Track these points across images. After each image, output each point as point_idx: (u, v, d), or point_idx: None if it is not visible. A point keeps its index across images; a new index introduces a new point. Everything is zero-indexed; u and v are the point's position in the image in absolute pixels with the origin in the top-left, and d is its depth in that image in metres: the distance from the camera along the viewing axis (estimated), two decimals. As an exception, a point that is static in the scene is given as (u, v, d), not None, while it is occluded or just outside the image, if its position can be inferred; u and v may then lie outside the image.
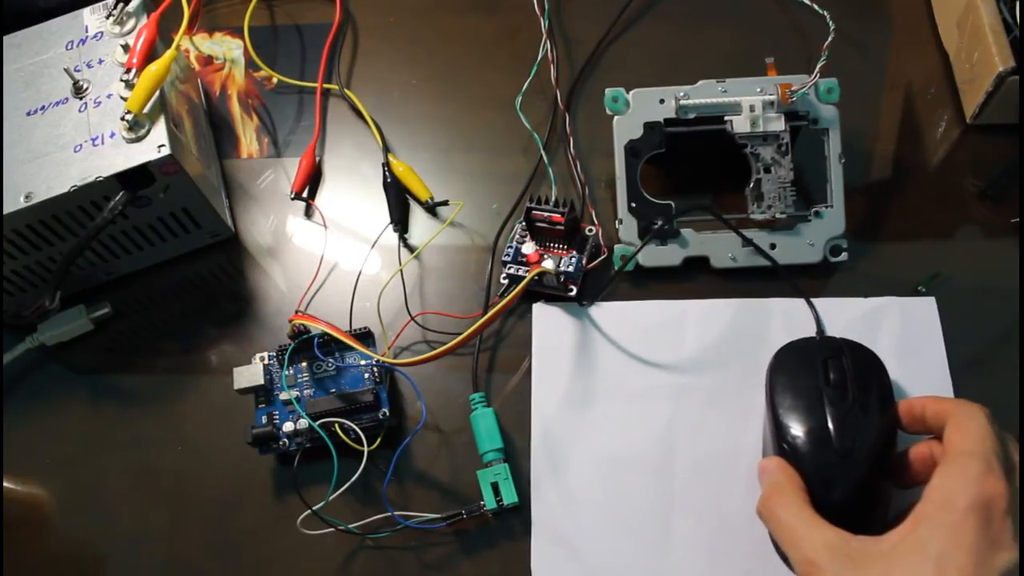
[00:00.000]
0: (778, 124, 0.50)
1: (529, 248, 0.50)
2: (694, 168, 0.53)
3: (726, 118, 0.50)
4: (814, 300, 0.50)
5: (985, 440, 0.37)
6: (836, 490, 0.40)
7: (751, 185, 0.50)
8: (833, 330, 0.49)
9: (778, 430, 0.42)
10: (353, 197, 0.57)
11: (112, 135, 0.47)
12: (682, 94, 0.50)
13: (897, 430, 0.42)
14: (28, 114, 0.49)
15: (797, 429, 0.42)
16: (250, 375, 0.48)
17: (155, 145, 0.47)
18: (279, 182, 0.57)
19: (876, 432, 0.41)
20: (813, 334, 0.49)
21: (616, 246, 0.51)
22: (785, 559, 0.40)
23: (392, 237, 0.54)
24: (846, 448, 0.40)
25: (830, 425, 0.41)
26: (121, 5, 0.51)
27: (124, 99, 0.48)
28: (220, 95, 0.61)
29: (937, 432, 0.39)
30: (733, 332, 0.49)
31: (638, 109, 0.50)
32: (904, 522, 0.36)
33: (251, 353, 0.49)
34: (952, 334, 0.49)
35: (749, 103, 0.49)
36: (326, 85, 0.60)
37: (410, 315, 0.51)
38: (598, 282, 0.52)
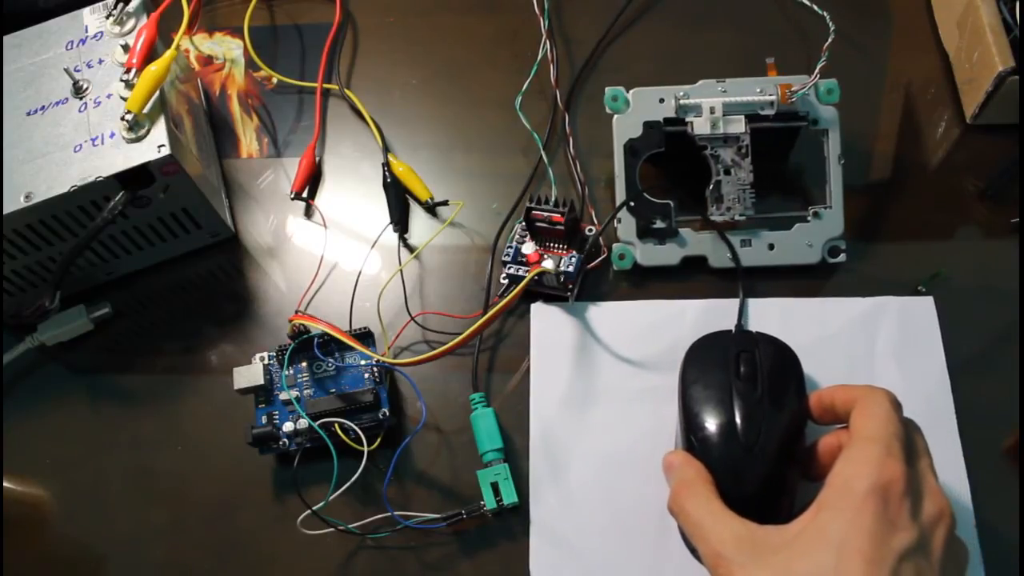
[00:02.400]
0: (738, 126, 0.50)
1: (529, 248, 0.50)
2: (694, 167, 0.53)
3: (687, 119, 0.50)
4: (812, 300, 0.50)
5: (887, 424, 0.37)
6: (742, 483, 0.40)
7: (711, 187, 0.50)
8: (831, 329, 0.49)
9: (687, 423, 0.43)
10: (353, 197, 0.57)
11: (112, 135, 0.47)
12: (682, 94, 0.50)
13: (806, 422, 0.42)
14: (28, 114, 0.49)
15: (705, 423, 0.42)
16: (250, 375, 0.48)
17: (155, 145, 0.47)
18: (279, 182, 0.57)
19: (783, 425, 0.41)
20: (813, 333, 0.49)
21: (614, 245, 0.51)
22: (695, 554, 0.41)
23: (392, 237, 0.54)
24: (751, 441, 0.41)
25: (737, 419, 0.41)
26: (121, 5, 0.51)
27: (124, 99, 0.48)
28: (220, 95, 0.61)
29: (847, 420, 0.40)
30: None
31: (638, 108, 0.50)
32: (808, 509, 0.36)
33: (251, 353, 0.49)
34: (952, 334, 0.49)
35: (710, 104, 0.49)
36: (326, 85, 0.60)
37: (410, 315, 0.51)
38: (597, 282, 0.52)
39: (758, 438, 0.41)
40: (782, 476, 0.41)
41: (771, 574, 0.35)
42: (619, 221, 0.51)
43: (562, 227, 0.50)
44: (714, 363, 0.44)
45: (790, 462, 0.41)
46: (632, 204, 0.51)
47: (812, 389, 0.43)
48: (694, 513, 0.39)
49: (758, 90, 0.50)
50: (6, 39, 0.52)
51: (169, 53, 0.49)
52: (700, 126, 0.50)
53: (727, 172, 0.50)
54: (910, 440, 0.38)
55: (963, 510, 0.45)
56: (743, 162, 0.50)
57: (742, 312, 0.50)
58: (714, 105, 0.49)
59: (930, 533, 0.35)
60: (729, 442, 0.41)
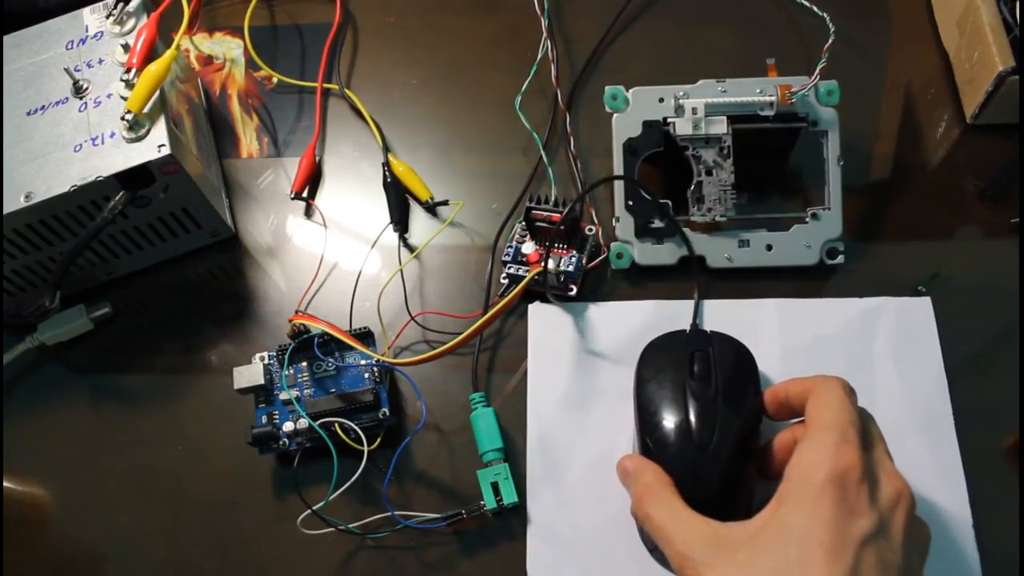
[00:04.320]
0: (720, 127, 0.49)
1: (529, 248, 0.50)
2: (686, 168, 0.53)
3: (668, 120, 0.50)
4: (810, 300, 0.50)
5: (841, 413, 0.37)
6: (699, 483, 0.40)
7: (692, 187, 0.50)
8: (829, 330, 0.49)
9: (642, 425, 0.43)
10: (353, 197, 0.57)
11: (112, 135, 0.47)
12: (681, 93, 0.50)
13: (761, 419, 0.42)
14: (28, 114, 0.49)
15: (660, 424, 0.42)
16: (250, 375, 0.48)
17: (155, 145, 0.47)
18: (279, 182, 0.57)
19: (737, 423, 0.41)
20: (810, 333, 0.49)
21: (612, 244, 0.51)
22: (654, 554, 0.41)
23: (392, 237, 0.54)
24: (705, 441, 0.41)
25: (691, 418, 0.41)
26: (121, 5, 0.51)
27: (124, 99, 0.48)
28: (220, 95, 0.61)
29: (802, 413, 0.40)
30: (730, 332, 0.48)
31: (637, 107, 0.50)
32: (769, 503, 0.37)
33: (251, 353, 0.49)
34: (951, 334, 0.49)
35: (692, 105, 0.49)
36: (326, 85, 0.60)
37: (410, 315, 0.51)
38: (596, 281, 0.52)
39: (712, 437, 0.41)
40: (739, 475, 0.41)
41: (737, 571, 0.35)
42: (618, 220, 0.51)
43: (562, 227, 0.50)
44: (668, 363, 0.44)
45: (747, 460, 0.42)
46: (630, 203, 0.51)
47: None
48: (657, 517, 0.39)
49: (758, 91, 0.50)
50: (6, 39, 0.52)
51: (169, 53, 0.49)
52: (682, 127, 0.50)
53: (708, 173, 0.50)
54: (865, 427, 0.38)
55: (961, 511, 0.45)
56: (725, 163, 0.50)
57: (697, 311, 0.50)
58: (696, 106, 0.49)
59: (889, 516, 0.36)
60: (684, 443, 0.41)
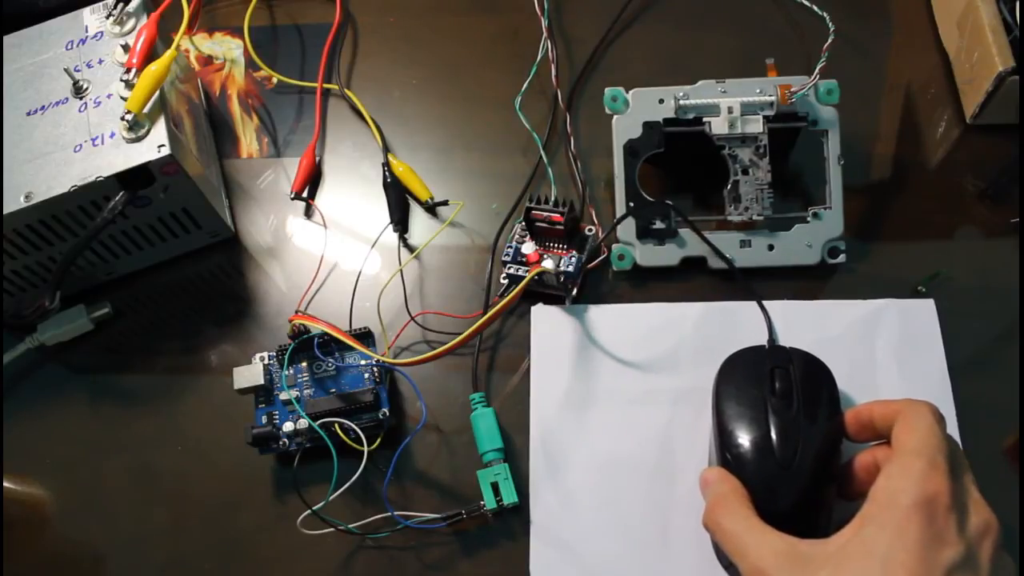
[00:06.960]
0: (756, 126, 0.49)
1: (529, 248, 0.50)
2: (693, 168, 0.53)
3: (704, 119, 0.50)
4: (813, 303, 0.50)
5: (930, 437, 0.37)
6: (778, 500, 0.40)
7: (728, 187, 0.50)
8: (832, 332, 0.49)
9: (722, 440, 0.42)
10: (353, 197, 0.57)
11: (112, 135, 0.47)
12: (681, 94, 0.50)
13: (841, 439, 0.42)
14: (28, 114, 0.49)
15: (740, 439, 0.41)
16: (250, 375, 0.48)
17: (155, 145, 0.47)
18: (279, 182, 0.57)
19: (819, 442, 0.41)
20: (813, 335, 0.49)
21: (613, 246, 0.51)
22: (730, 570, 0.40)
23: (392, 237, 0.54)
24: (787, 458, 0.40)
25: (773, 435, 0.41)
26: (121, 5, 0.51)
27: (124, 99, 0.48)
28: (220, 95, 0.61)
29: (887, 435, 0.39)
30: (732, 335, 0.48)
31: (637, 109, 0.50)
32: (850, 523, 0.36)
33: (251, 353, 0.49)
34: (952, 334, 0.49)
35: (728, 104, 0.49)
36: (326, 85, 0.60)
37: (410, 315, 0.51)
38: (597, 282, 0.52)
39: (795, 455, 0.40)
40: (820, 494, 0.41)
41: None
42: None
43: (562, 227, 0.50)
44: (748, 379, 0.43)
45: (828, 480, 0.41)
46: (631, 205, 0.51)
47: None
48: (731, 528, 0.38)
49: (758, 91, 0.50)
50: (6, 39, 0.52)
51: (169, 53, 0.49)
52: (718, 126, 0.50)
53: (745, 172, 0.50)
54: (954, 453, 0.37)
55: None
56: (761, 162, 0.50)
57: (771, 328, 0.49)
58: (732, 105, 0.49)
59: (977, 547, 0.35)
60: (765, 459, 0.41)
